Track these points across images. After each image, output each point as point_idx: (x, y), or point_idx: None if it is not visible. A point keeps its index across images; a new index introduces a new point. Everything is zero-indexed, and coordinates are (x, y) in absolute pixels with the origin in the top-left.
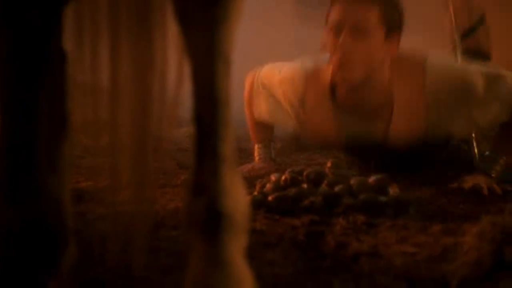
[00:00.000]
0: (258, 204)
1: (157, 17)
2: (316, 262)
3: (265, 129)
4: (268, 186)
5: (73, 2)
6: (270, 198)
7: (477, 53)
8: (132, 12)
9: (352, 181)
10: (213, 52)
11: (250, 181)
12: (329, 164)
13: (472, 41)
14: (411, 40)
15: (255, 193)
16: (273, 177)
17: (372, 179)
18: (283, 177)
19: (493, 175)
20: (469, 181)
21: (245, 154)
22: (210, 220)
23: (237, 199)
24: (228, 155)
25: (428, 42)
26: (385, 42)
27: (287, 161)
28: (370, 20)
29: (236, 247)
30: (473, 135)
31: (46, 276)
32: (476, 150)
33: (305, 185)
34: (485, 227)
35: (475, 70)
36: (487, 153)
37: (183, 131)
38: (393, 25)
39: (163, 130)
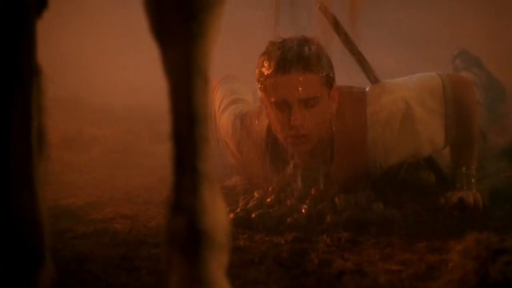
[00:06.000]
0: (241, 222)
1: None
2: (300, 280)
3: None
4: (252, 203)
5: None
6: (253, 215)
7: None
8: None
9: (336, 198)
10: (190, 68)
11: (233, 198)
12: None
13: None
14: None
15: (238, 210)
16: (256, 194)
17: (356, 196)
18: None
19: (473, 190)
20: (453, 196)
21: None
22: (190, 238)
23: (218, 216)
24: (208, 171)
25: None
26: (329, 100)
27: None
28: (317, 88)
29: (218, 265)
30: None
31: None
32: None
33: (289, 202)
34: (470, 244)
35: (406, 89)
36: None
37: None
38: (332, 80)
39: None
